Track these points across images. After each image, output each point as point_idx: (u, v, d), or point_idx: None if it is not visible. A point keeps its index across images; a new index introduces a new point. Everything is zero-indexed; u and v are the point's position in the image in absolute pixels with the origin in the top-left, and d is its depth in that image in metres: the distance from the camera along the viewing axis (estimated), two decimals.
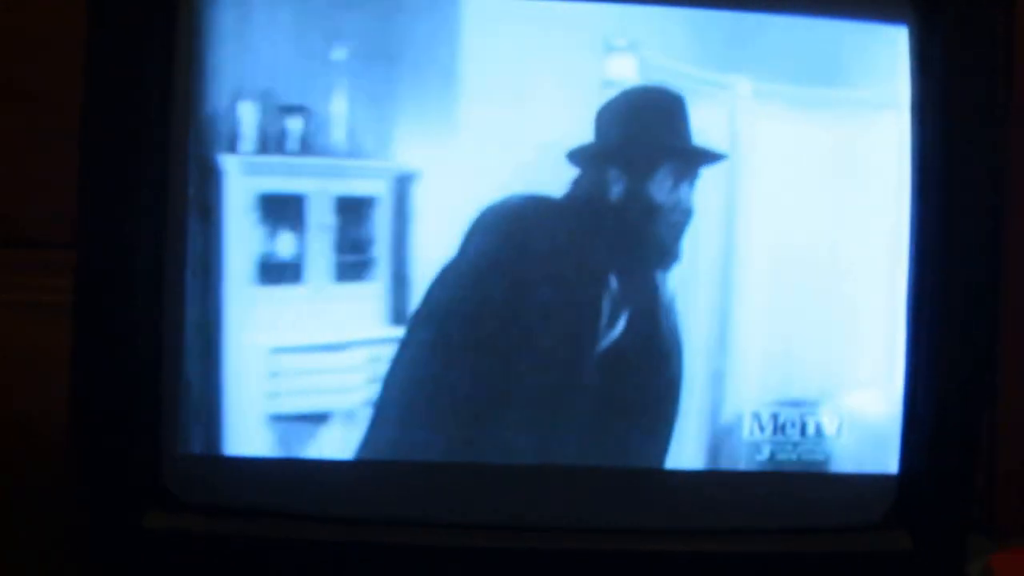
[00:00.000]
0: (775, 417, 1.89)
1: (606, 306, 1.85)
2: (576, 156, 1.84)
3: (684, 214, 1.86)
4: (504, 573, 1.83)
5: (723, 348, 1.87)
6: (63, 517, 1.79)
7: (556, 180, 1.84)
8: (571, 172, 1.84)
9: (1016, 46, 1.87)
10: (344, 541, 1.82)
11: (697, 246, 1.86)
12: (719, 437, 1.88)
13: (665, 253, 1.86)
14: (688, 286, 1.86)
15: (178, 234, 1.79)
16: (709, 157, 1.86)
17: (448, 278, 1.83)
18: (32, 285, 1.99)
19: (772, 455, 1.89)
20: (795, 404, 1.89)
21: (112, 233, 1.76)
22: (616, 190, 1.86)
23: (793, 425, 1.89)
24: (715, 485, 1.88)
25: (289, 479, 1.83)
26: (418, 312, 1.83)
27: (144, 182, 1.77)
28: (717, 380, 1.87)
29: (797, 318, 1.88)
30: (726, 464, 1.88)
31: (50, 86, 1.98)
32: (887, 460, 1.89)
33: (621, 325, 1.85)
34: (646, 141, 1.86)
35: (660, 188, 1.86)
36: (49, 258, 1.96)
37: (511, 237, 1.84)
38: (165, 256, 1.79)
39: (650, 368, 1.87)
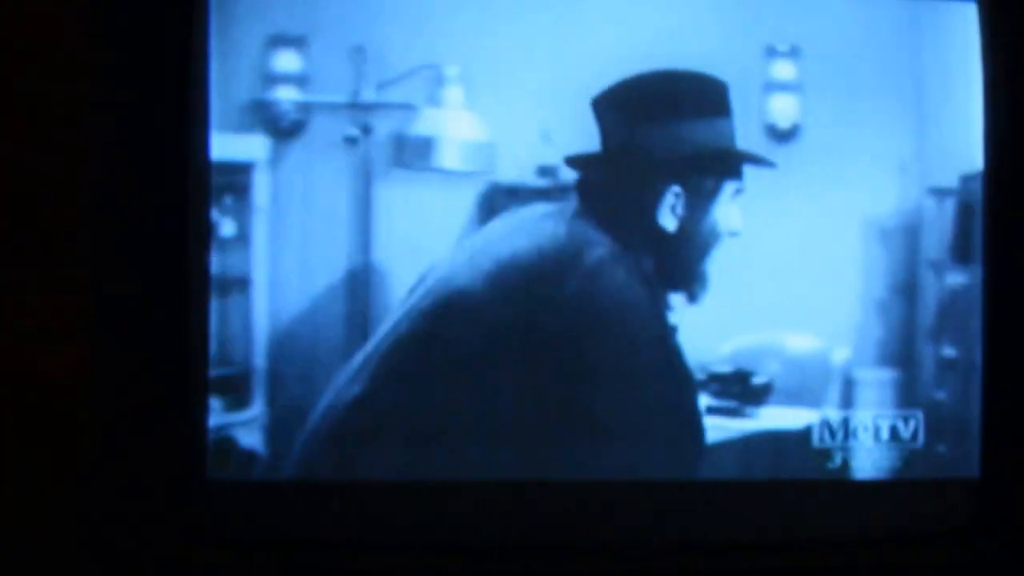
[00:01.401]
0: (846, 422, 1.78)
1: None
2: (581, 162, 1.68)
3: (714, 232, 1.71)
4: None
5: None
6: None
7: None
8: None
9: None
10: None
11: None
12: (787, 445, 1.78)
13: (689, 278, 1.72)
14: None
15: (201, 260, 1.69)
16: (756, 163, 1.68)
17: (459, 302, 1.69)
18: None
19: (844, 462, 1.78)
20: (868, 408, 1.78)
21: (133, 262, 1.67)
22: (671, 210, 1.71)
23: (866, 430, 1.78)
24: (784, 495, 1.77)
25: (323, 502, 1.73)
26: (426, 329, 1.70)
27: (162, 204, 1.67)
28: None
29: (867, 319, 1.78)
30: (794, 473, 1.78)
31: None
32: (968, 464, 1.78)
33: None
34: (667, 141, 1.68)
35: (688, 198, 1.69)
36: None
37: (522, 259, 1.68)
38: (190, 280, 1.69)
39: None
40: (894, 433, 1.79)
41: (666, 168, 1.69)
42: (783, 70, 1.72)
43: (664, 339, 1.69)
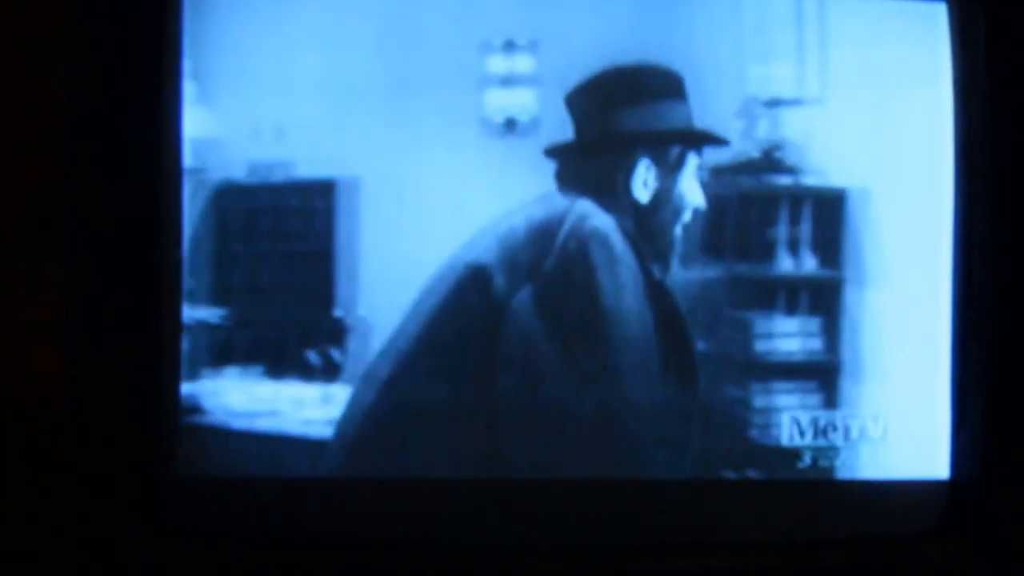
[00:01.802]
0: (815, 421, 1.78)
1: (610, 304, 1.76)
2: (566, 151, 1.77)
3: (682, 203, 1.78)
4: None
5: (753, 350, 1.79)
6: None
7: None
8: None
9: None
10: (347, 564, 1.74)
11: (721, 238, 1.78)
12: (756, 444, 1.78)
13: (663, 243, 1.79)
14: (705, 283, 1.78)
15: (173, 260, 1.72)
16: (712, 141, 1.77)
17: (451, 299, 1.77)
18: None
19: (814, 462, 1.78)
20: (837, 407, 1.78)
21: (104, 260, 1.69)
22: (644, 185, 1.78)
23: (835, 429, 1.79)
24: (753, 495, 1.78)
25: (286, 499, 1.75)
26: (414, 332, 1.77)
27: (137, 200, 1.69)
28: (749, 384, 1.78)
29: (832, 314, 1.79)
30: (764, 473, 1.78)
31: None
32: (937, 465, 1.78)
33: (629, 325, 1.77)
34: (634, 123, 1.77)
35: (658, 171, 1.78)
36: None
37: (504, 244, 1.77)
38: (162, 277, 1.71)
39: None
40: (863, 433, 1.79)
41: (637, 147, 1.79)
42: (519, 64, 1.77)
43: (656, 286, 1.79)
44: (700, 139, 1.78)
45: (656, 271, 1.79)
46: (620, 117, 1.78)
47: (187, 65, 1.73)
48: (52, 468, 1.70)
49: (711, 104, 1.77)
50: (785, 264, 1.80)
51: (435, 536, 1.76)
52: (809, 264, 1.80)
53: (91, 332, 1.69)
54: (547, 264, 1.77)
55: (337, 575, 1.75)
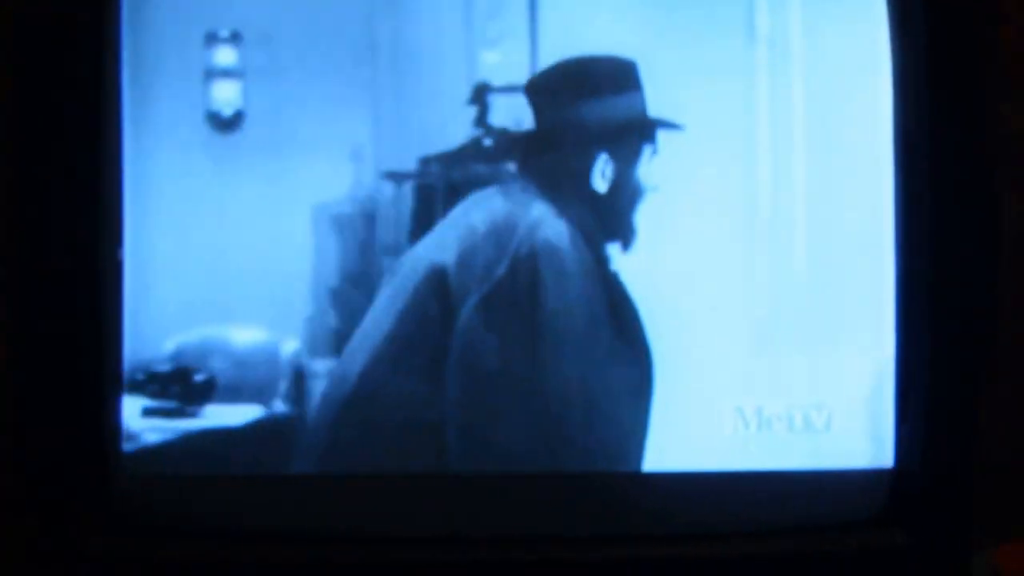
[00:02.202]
0: (760, 411, 1.79)
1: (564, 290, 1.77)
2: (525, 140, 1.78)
3: (639, 189, 1.79)
4: None
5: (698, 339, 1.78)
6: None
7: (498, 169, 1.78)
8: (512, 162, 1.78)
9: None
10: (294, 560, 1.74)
11: (666, 224, 1.78)
12: (701, 434, 1.79)
13: (623, 230, 1.79)
14: (654, 270, 1.78)
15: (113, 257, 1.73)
16: (665, 128, 1.78)
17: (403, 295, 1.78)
18: None
19: (758, 452, 1.79)
20: (782, 397, 1.79)
21: (47, 258, 1.70)
22: (599, 173, 1.79)
23: (779, 419, 1.79)
24: (698, 486, 1.78)
25: (233, 496, 1.76)
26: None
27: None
28: (694, 374, 1.78)
29: (780, 303, 1.79)
30: (709, 463, 1.78)
31: None
32: (881, 454, 1.79)
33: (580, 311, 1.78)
34: (593, 117, 1.78)
35: (636, 167, 1.79)
36: None
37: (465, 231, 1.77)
38: (103, 277, 1.72)
39: (619, 357, 1.78)
40: (807, 423, 1.79)
41: (594, 138, 1.80)
42: (224, 56, 1.76)
43: (609, 276, 1.79)
44: (654, 127, 1.79)
45: (612, 263, 1.80)
46: (579, 108, 1.79)
47: None
48: None
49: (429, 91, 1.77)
50: None
51: (389, 531, 1.77)
52: None
53: (33, 330, 1.71)
54: (498, 271, 1.77)
55: (288, 571, 1.76)
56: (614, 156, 1.80)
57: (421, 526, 1.77)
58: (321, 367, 1.78)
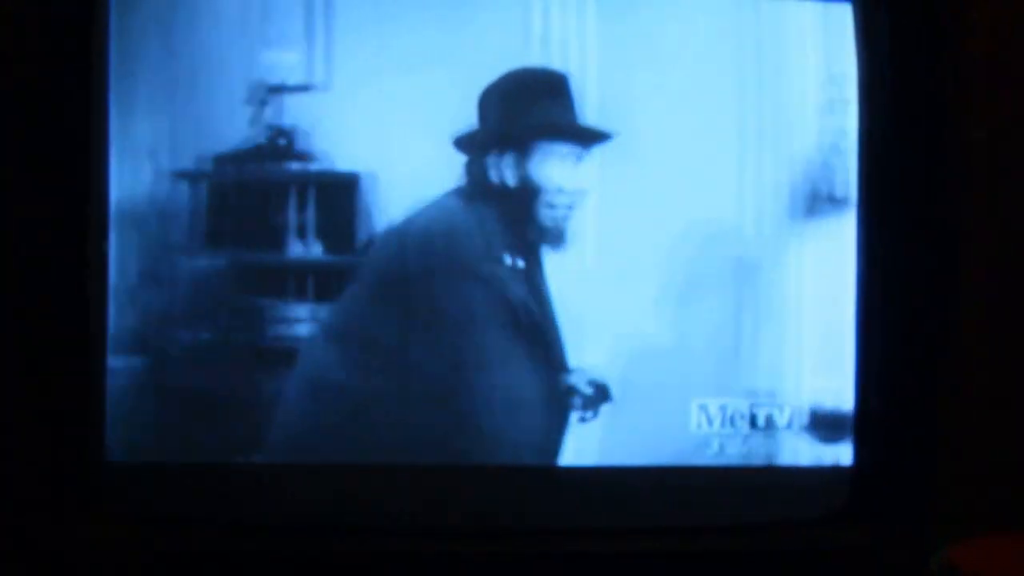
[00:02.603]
0: (723, 409, 1.84)
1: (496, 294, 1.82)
2: (463, 143, 1.82)
3: (572, 195, 1.83)
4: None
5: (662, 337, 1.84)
6: None
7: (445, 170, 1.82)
8: (460, 160, 1.82)
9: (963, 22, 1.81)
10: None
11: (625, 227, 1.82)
12: (662, 430, 1.83)
13: (555, 236, 1.83)
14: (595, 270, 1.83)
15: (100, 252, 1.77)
16: (597, 137, 1.82)
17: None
18: None
19: (721, 448, 1.84)
20: (744, 395, 1.84)
21: (31, 241, 1.73)
22: (502, 175, 1.82)
23: (743, 417, 1.84)
24: (660, 481, 1.82)
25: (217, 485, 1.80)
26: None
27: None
28: (656, 369, 1.83)
29: (739, 303, 1.83)
30: (671, 459, 1.83)
31: None
32: (841, 452, 1.84)
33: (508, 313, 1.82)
34: (530, 122, 1.82)
35: (547, 169, 1.82)
36: None
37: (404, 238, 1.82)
38: (88, 268, 1.76)
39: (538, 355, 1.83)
40: (769, 421, 1.84)
41: (528, 139, 1.84)
42: None
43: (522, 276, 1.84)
44: (572, 132, 1.83)
45: (520, 260, 1.84)
46: (507, 112, 1.83)
47: None
48: None
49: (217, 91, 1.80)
50: (296, 250, 1.83)
51: (366, 520, 1.81)
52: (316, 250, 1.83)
53: (19, 321, 1.75)
54: (410, 265, 1.82)
55: (269, 560, 1.80)
56: (545, 155, 1.84)
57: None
58: (120, 363, 1.81)
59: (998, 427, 1.84)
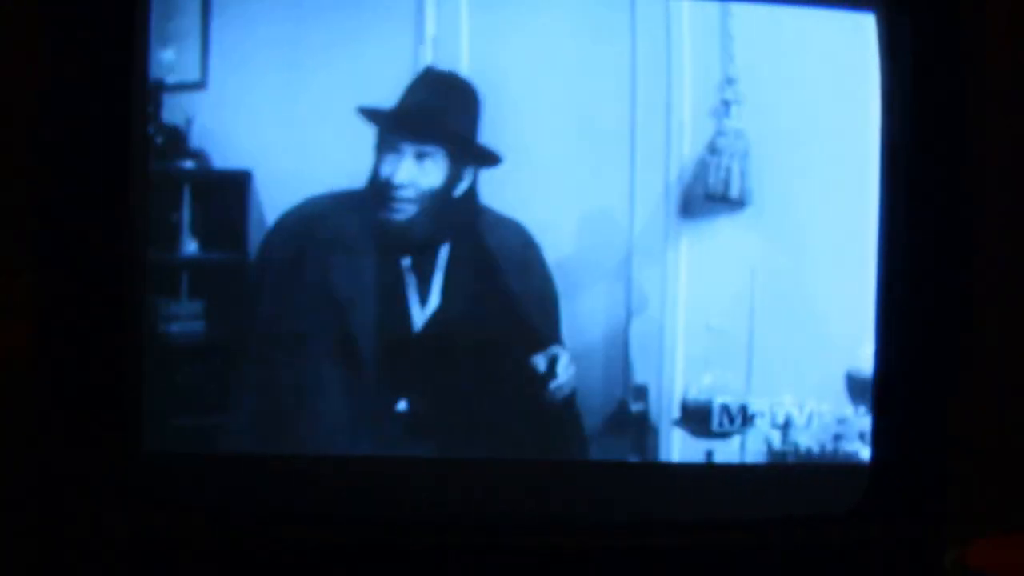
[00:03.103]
0: (744, 408, 1.88)
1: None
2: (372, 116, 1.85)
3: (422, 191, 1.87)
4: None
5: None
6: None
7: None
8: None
9: (988, 30, 1.84)
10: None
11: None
12: (685, 429, 1.88)
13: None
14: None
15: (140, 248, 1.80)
16: (486, 157, 1.86)
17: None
18: None
19: (742, 446, 1.88)
20: (764, 395, 1.88)
21: (73, 243, 1.77)
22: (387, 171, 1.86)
23: (763, 416, 1.88)
24: (682, 478, 1.87)
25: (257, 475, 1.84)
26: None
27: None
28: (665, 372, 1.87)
29: (761, 304, 1.87)
30: (693, 457, 1.87)
31: None
32: (859, 450, 1.88)
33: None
34: (433, 121, 1.86)
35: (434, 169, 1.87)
36: None
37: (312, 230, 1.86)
38: (130, 267, 1.80)
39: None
40: (788, 419, 1.88)
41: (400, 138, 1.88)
42: None
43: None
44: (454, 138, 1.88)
45: (402, 257, 1.89)
46: (411, 113, 1.87)
47: None
48: (20, 446, 1.79)
49: None
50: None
51: (405, 513, 1.85)
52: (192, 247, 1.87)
53: (64, 314, 1.78)
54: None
55: (304, 550, 1.84)
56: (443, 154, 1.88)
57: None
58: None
59: (1014, 426, 1.87)
